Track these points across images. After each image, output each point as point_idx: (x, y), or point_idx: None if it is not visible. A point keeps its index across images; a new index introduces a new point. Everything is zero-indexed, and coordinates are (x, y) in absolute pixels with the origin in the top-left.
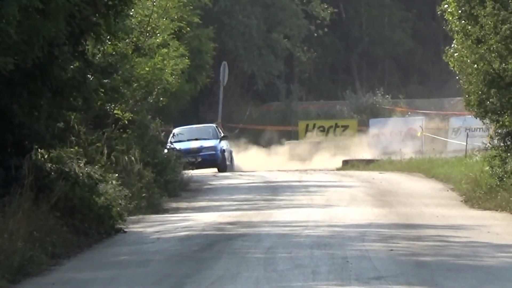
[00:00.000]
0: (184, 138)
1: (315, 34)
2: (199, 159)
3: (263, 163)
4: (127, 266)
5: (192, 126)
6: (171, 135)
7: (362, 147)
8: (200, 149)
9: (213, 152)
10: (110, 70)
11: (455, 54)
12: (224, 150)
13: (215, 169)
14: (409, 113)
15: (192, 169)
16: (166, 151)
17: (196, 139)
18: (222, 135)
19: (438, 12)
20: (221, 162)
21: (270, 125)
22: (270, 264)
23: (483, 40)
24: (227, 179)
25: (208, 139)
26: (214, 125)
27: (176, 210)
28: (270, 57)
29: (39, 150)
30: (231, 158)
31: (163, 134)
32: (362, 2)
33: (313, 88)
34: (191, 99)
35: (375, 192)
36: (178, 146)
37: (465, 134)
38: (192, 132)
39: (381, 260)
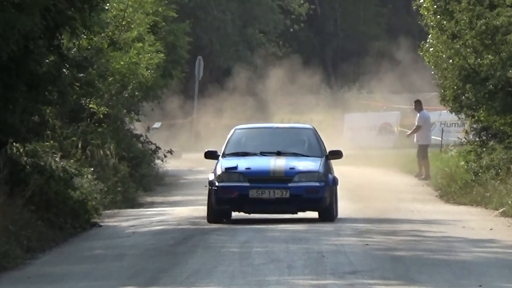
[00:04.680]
0: (254, 148)
1: (291, 29)
2: (286, 195)
3: None
4: (102, 260)
5: (271, 125)
6: (228, 138)
7: (337, 142)
8: (291, 175)
9: (317, 183)
10: (85, 64)
11: (431, 49)
12: (335, 180)
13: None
14: (384, 107)
15: (264, 213)
16: None
17: (279, 153)
18: (329, 150)
19: (414, 7)
20: (329, 205)
21: (245, 120)
22: (245, 258)
23: (459, 35)
24: (202, 174)
25: (304, 155)
26: (311, 126)
27: (151, 204)
28: (246, 52)
29: (14, 144)
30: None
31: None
32: None
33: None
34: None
35: (350, 187)
36: (241, 164)
37: (440, 129)
38: (270, 137)
39: (357, 255)
